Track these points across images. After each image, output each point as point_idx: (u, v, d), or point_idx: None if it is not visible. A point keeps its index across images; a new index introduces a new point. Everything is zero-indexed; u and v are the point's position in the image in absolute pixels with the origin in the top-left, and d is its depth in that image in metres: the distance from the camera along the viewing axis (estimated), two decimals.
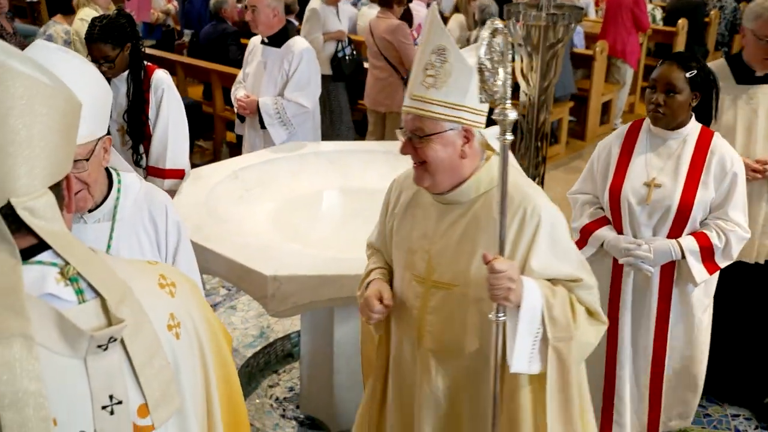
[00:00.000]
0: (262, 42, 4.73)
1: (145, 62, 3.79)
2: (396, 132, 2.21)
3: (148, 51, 7.91)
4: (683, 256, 3.00)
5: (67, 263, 1.33)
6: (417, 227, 2.29)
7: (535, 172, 4.99)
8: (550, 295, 2.09)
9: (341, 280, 2.95)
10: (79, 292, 1.35)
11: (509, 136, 1.94)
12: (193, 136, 4.91)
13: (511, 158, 2.24)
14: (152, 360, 1.40)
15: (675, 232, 3.04)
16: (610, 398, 3.33)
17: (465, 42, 8.18)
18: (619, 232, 3.11)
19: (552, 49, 4.64)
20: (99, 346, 1.32)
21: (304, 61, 4.61)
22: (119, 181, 2.26)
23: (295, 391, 4.08)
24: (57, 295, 1.32)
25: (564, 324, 2.10)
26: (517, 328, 2.06)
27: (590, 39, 8.90)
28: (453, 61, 2.04)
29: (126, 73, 3.71)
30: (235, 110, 4.84)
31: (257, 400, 3.98)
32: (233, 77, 5.08)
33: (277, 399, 4.02)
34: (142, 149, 3.78)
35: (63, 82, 1.35)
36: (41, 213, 1.31)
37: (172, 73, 7.89)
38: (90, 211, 2.20)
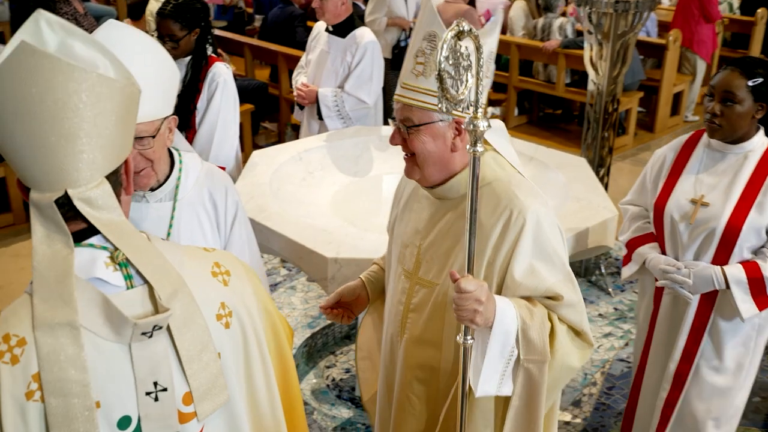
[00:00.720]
0: (327, 30, 4.64)
1: (209, 50, 3.75)
2: (389, 121, 2.14)
3: (218, 32, 8.12)
4: (727, 286, 2.68)
5: (116, 248, 1.34)
6: (412, 221, 2.22)
7: (601, 162, 4.90)
8: (527, 316, 1.94)
9: None
10: (128, 277, 1.36)
11: (479, 148, 1.76)
12: (259, 117, 4.97)
13: (509, 152, 2.10)
14: (201, 354, 1.40)
15: (720, 259, 2.72)
16: (630, 420, 3.17)
17: (532, 30, 8.07)
18: (663, 251, 2.85)
19: (623, 37, 4.53)
20: (143, 333, 1.33)
21: (368, 55, 4.51)
22: (181, 162, 2.30)
23: (351, 373, 4.12)
24: (105, 279, 1.33)
25: (540, 347, 1.95)
26: (487, 352, 1.92)
27: (663, 27, 8.67)
28: None
29: (188, 58, 3.70)
30: (295, 97, 4.80)
31: (314, 380, 4.03)
32: (299, 60, 5.09)
33: (333, 380, 4.06)
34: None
35: (125, 69, 1.36)
36: (98, 203, 1.32)
37: (240, 55, 8.02)
38: (152, 190, 2.24)
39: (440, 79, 1.67)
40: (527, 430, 2.04)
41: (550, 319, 1.99)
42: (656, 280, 2.86)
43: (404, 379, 2.25)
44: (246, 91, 6.23)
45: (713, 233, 2.69)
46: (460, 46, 1.69)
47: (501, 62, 8.04)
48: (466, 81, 1.71)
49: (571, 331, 2.03)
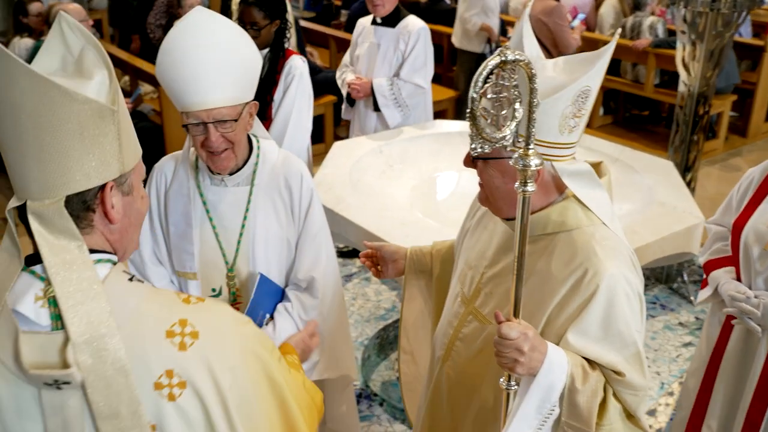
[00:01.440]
0: (373, 23, 4.67)
1: (285, 43, 3.79)
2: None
3: (306, 24, 8.24)
4: None
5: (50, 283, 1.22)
6: (482, 241, 2.07)
7: (689, 166, 4.75)
8: (580, 378, 1.75)
9: None
10: (55, 317, 1.23)
11: (530, 188, 1.59)
12: (341, 110, 5.02)
13: (599, 201, 1.84)
14: (119, 415, 1.23)
15: None
16: None
17: (622, 28, 7.87)
18: (738, 276, 2.62)
19: (719, 38, 4.37)
20: (48, 384, 1.22)
21: (421, 41, 4.53)
22: (258, 147, 2.36)
23: None
24: (25, 314, 1.23)
25: (585, 416, 1.77)
26: (522, 403, 1.76)
27: (759, 28, 8.31)
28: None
29: (266, 50, 3.74)
30: (344, 95, 4.79)
31: (384, 372, 4.06)
32: None
33: None
34: None
35: (115, 89, 1.31)
36: (52, 221, 1.23)
37: (325, 47, 8.12)
38: (231, 174, 2.31)
39: (473, 117, 1.48)
40: None
41: (605, 390, 1.80)
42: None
43: (435, 401, 2.18)
44: (329, 83, 6.30)
45: None
46: (504, 78, 1.50)
47: None
48: (512, 115, 1.52)
49: (625, 411, 1.85)
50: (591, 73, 1.71)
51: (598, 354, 1.77)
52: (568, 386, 1.74)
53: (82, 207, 1.27)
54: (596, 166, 1.94)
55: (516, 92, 1.51)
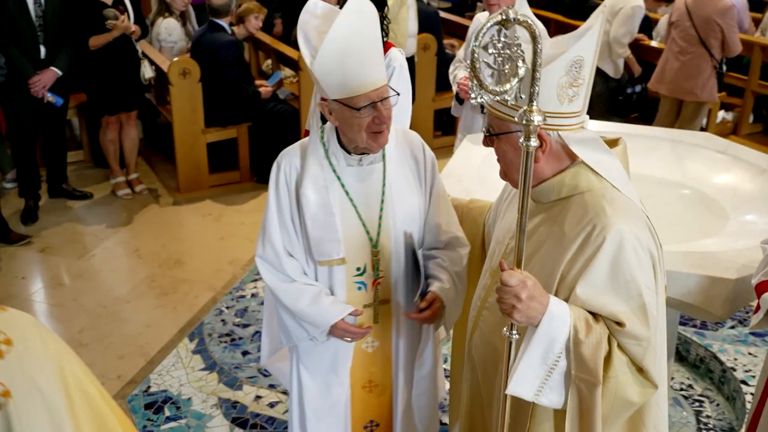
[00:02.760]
0: None
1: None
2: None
3: (442, 15, 8.23)
4: None
5: None
6: (507, 220, 2.21)
7: None
8: (583, 330, 1.84)
9: None
10: None
11: (534, 143, 1.71)
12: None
13: (610, 167, 1.94)
14: None
15: None
16: None
17: None
18: None
19: None
20: None
21: None
22: None
23: None
24: None
25: (591, 367, 1.84)
26: (525, 353, 1.87)
27: None
28: None
29: None
30: (454, 91, 4.67)
31: None
32: None
33: None
34: None
35: None
36: None
37: (461, 37, 8.08)
38: (366, 153, 2.43)
39: (473, 68, 1.60)
40: None
41: (609, 343, 1.87)
42: None
43: (470, 373, 2.30)
44: None
45: None
46: (513, 37, 1.60)
47: (743, 63, 7.45)
48: (515, 73, 1.62)
49: (633, 365, 1.89)
50: (581, 42, 1.84)
51: (603, 304, 1.85)
52: (573, 338, 1.83)
53: None
54: (613, 142, 2.05)
55: (519, 51, 1.61)
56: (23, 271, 5.25)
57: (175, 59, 6.16)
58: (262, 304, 4.78)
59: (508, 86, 1.63)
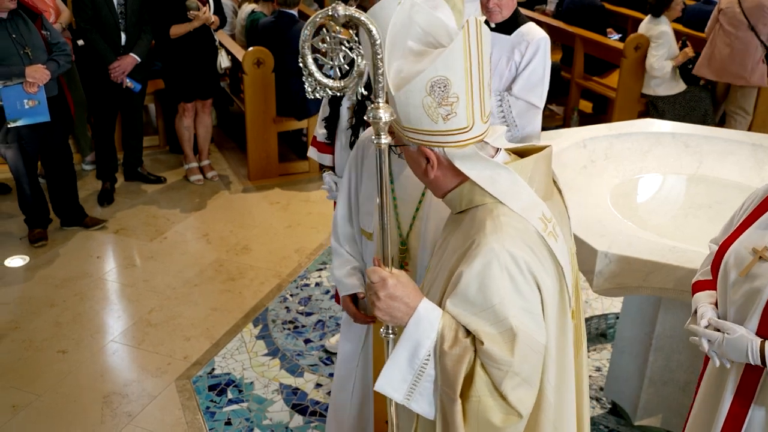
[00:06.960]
0: (489, 29, 4.29)
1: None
2: None
3: None
4: (764, 364, 2.11)
5: None
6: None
7: None
8: (449, 341, 1.76)
9: (676, 272, 2.78)
10: None
11: (384, 140, 1.72)
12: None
13: (508, 176, 1.83)
14: None
15: (765, 329, 2.12)
16: None
17: None
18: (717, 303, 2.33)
19: None
20: None
21: (540, 54, 3.88)
22: None
23: (601, 372, 3.99)
24: None
25: (451, 380, 1.76)
26: (393, 352, 1.85)
27: None
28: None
29: None
30: None
31: None
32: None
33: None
34: None
35: None
36: None
37: None
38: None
39: (303, 58, 1.68)
40: None
41: (474, 360, 1.77)
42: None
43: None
44: None
45: (758, 294, 2.12)
46: (338, 31, 1.67)
47: None
48: (348, 66, 1.67)
49: (495, 389, 1.78)
50: (436, 64, 1.69)
51: (468, 321, 1.79)
52: (438, 347, 1.78)
53: None
54: (536, 150, 1.94)
55: (350, 45, 1.67)
56: (98, 251, 5.44)
57: (250, 49, 6.27)
58: (326, 293, 4.84)
59: (344, 83, 1.72)
